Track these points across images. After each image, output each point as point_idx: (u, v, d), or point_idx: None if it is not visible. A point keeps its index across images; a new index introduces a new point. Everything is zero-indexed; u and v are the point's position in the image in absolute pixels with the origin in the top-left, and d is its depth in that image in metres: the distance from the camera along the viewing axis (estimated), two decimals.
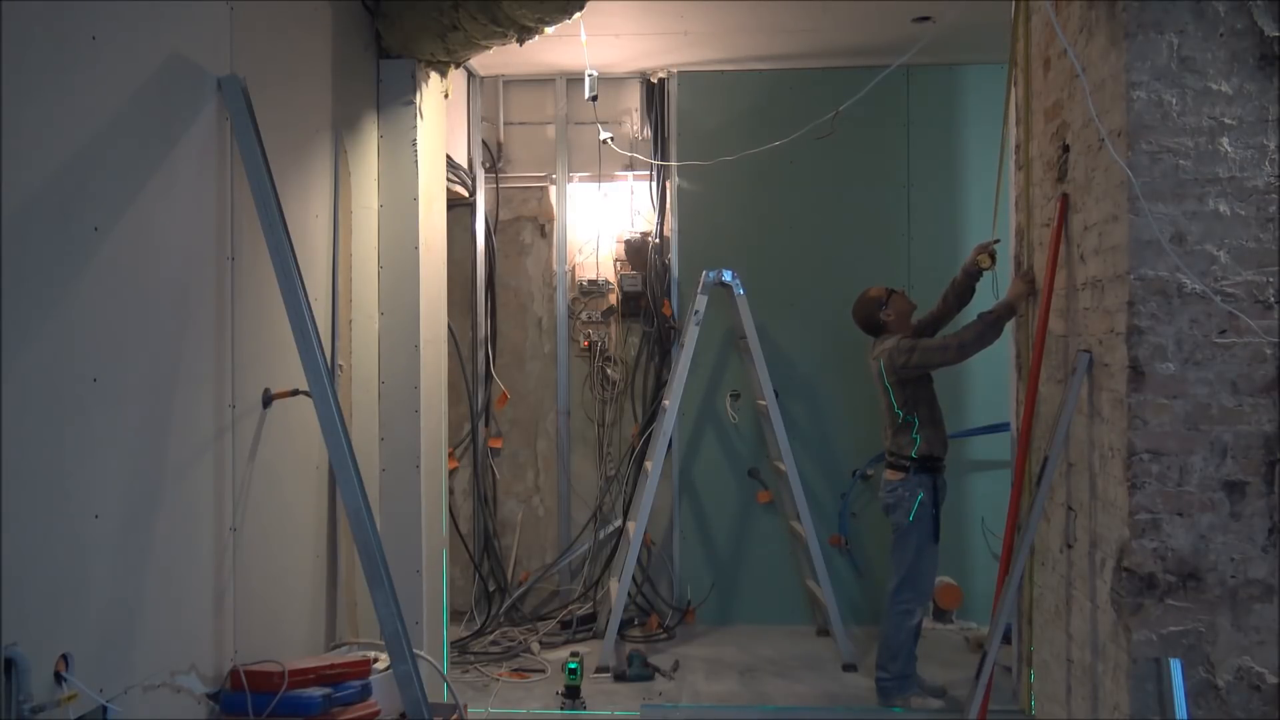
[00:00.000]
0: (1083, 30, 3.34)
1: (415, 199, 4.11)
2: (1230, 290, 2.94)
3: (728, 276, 5.37)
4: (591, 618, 5.61)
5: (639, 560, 5.49)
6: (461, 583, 5.70)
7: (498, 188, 5.89)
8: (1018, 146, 4.28)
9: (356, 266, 3.89)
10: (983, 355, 5.12)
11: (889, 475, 4.51)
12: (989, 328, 4.24)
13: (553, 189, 5.92)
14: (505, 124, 5.93)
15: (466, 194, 5.61)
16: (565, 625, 5.52)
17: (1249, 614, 2.93)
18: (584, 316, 5.90)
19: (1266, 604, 2.92)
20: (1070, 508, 3.52)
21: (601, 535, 5.82)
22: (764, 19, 4.94)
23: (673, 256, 5.80)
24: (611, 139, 5.80)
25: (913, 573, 4.43)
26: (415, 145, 4.11)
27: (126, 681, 2.34)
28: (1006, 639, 4.01)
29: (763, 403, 5.40)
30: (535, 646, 5.27)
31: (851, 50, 5.41)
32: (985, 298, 4.47)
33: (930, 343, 4.42)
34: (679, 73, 5.78)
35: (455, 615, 5.40)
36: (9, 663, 1.93)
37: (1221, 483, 2.95)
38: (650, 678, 4.84)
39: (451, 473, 5.50)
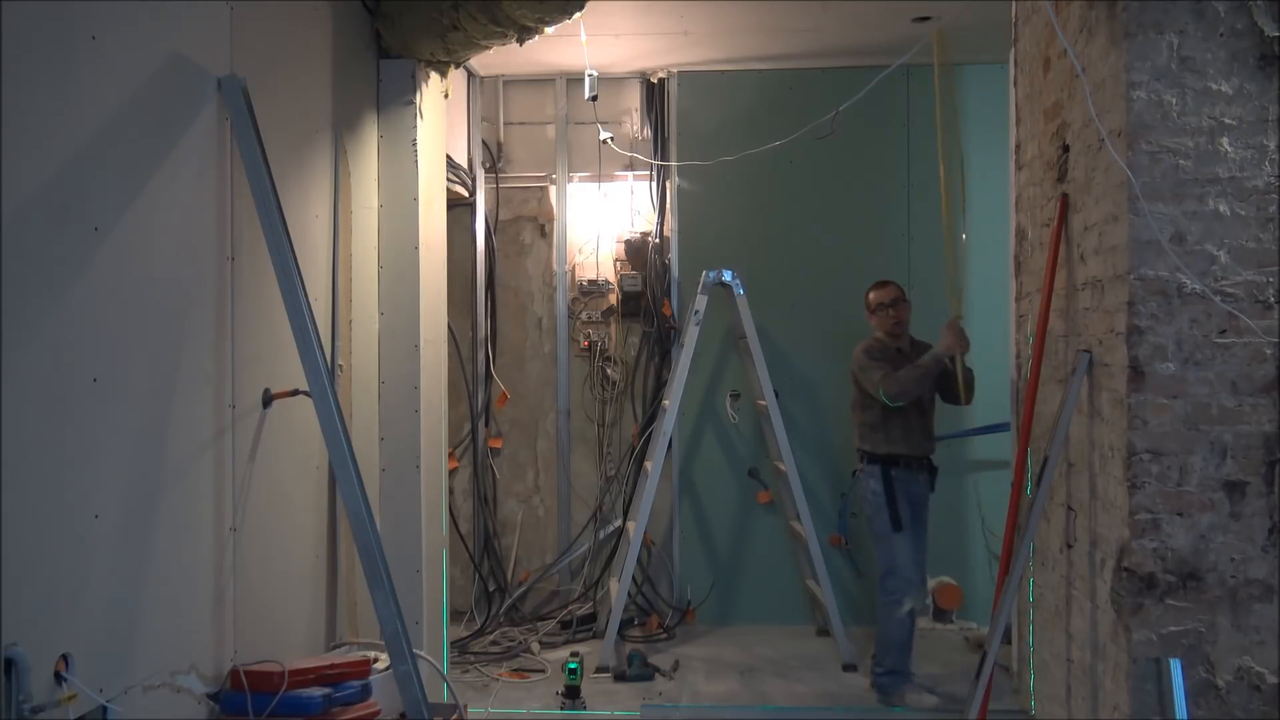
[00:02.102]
0: (1083, 30, 3.34)
1: (415, 199, 4.11)
2: (1230, 290, 2.94)
3: (728, 276, 5.37)
4: (591, 618, 5.61)
5: (639, 560, 5.49)
6: (461, 583, 5.70)
7: (498, 188, 5.89)
8: (1018, 146, 4.28)
9: (356, 266, 3.89)
10: (982, 355, 5.13)
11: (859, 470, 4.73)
12: (918, 379, 4.42)
13: (553, 189, 5.92)
14: (505, 124, 5.93)
15: (466, 194, 5.61)
16: (565, 625, 5.52)
17: (1249, 614, 2.93)
18: (584, 316, 5.90)
19: (1266, 604, 2.92)
20: (1070, 508, 3.52)
21: (601, 535, 5.82)
22: (764, 19, 4.94)
23: (673, 256, 5.80)
24: (611, 139, 5.80)
25: (888, 563, 4.54)
26: (415, 145, 4.11)
27: (126, 681, 2.33)
28: (1006, 639, 4.01)
29: (763, 403, 5.40)
30: (535, 646, 5.27)
31: (851, 50, 5.41)
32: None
33: (867, 375, 4.55)
34: (679, 73, 5.78)
35: (455, 615, 5.40)
36: (9, 663, 1.93)
37: (1221, 483, 2.95)
38: (650, 678, 4.84)
39: (451, 473, 5.50)
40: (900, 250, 5.72)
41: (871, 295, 4.74)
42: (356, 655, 3.10)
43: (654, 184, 5.83)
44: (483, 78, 5.83)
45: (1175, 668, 2.88)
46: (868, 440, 4.63)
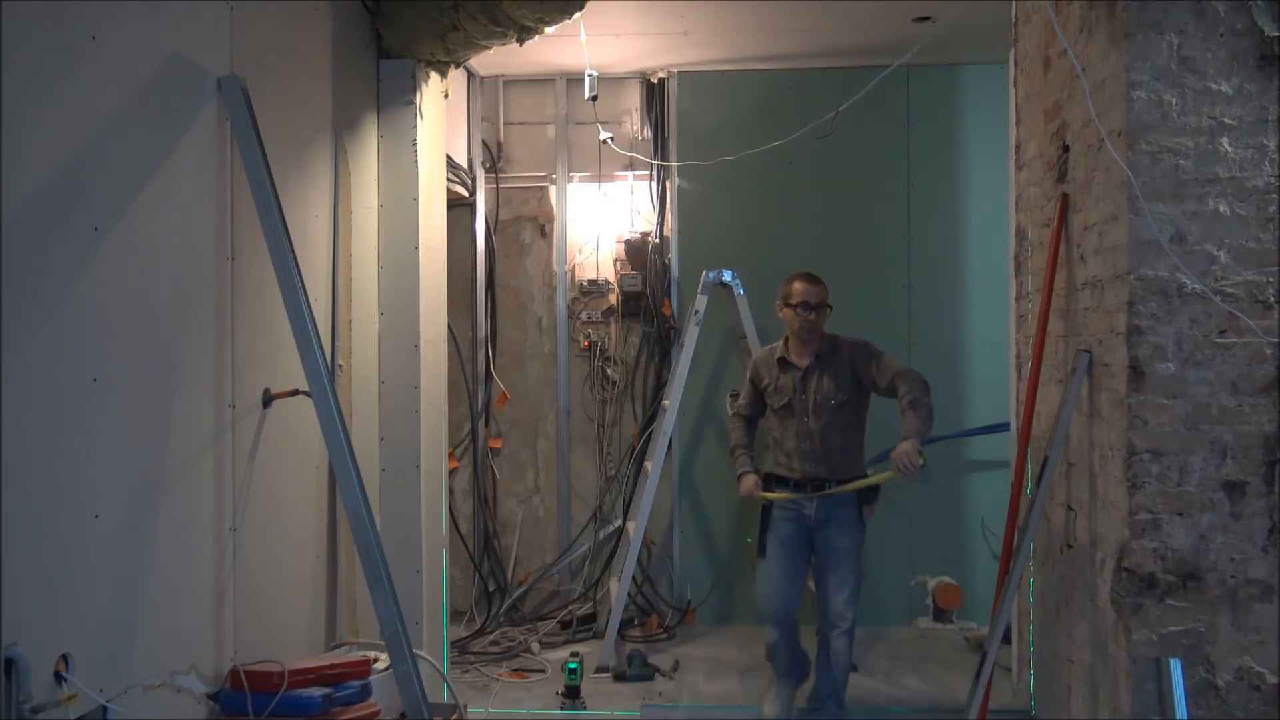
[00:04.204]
0: (1083, 30, 3.34)
1: (415, 199, 4.11)
2: (1230, 290, 2.94)
3: (728, 276, 5.38)
4: (591, 618, 5.61)
5: (639, 560, 5.49)
6: (461, 583, 5.70)
7: (498, 188, 5.89)
8: (1018, 146, 4.28)
9: (356, 266, 3.89)
10: (982, 354, 5.10)
11: None
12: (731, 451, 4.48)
13: (553, 189, 5.92)
14: (505, 124, 5.93)
15: (466, 194, 5.61)
16: (565, 625, 5.52)
17: (1249, 614, 2.93)
18: (584, 316, 5.90)
19: (1266, 604, 2.92)
20: (1070, 508, 3.52)
21: (601, 535, 5.82)
22: (764, 19, 4.94)
23: (673, 256, 5.80)
24: (611, 139, 5.79)
25: None
26: (415, 145, 4.11)
27: (126, 681, 2.34)
28: (1006, 639, 4.00)
29: None
30: (535, 646, 5.27)
31: (851, 50, 5.40)
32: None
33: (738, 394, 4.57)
34: (679, 73, 5.78)
35: (455, 615, 5.40)
36: (9, 663, 1.93)
37: (1221, 483, 2.95)
38: (650, 678, 4.84)
39: (451, 473, 5.50)
40: (900, 249, 5.72)
41: (796, 286, 4.22)
42: (356, 655, 3.10)
43: (654, 184, 5.83)
44: (483, 78, 5.83)
45: (1175, 668, 2.87)
46: None
